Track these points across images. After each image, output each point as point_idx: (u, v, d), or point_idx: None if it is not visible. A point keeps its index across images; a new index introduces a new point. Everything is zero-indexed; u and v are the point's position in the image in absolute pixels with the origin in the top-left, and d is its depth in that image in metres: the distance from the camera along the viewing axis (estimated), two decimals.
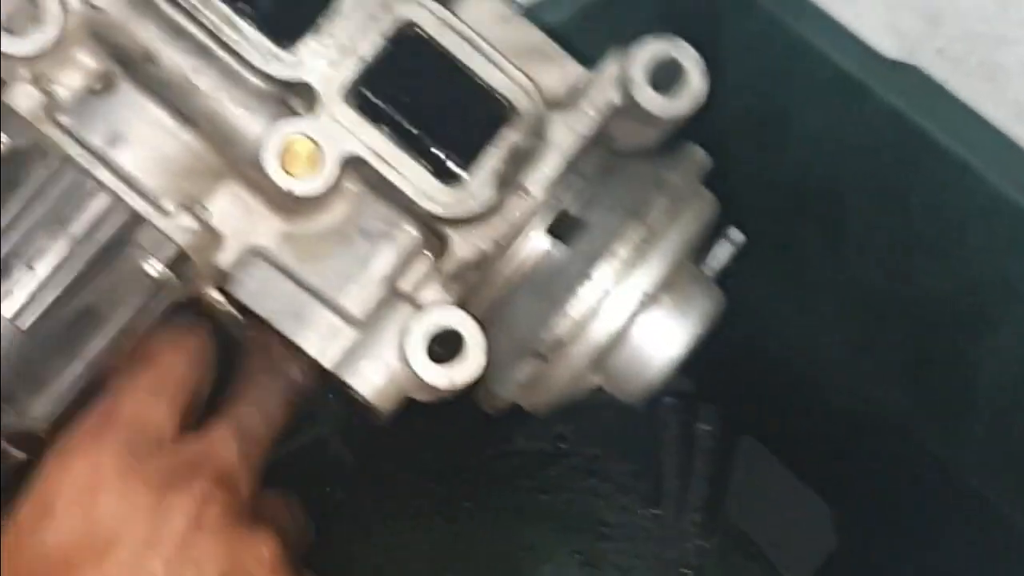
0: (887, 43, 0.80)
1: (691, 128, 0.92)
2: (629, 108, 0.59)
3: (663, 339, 0.59)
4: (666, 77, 0.58)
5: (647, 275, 0.58)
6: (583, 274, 0.57)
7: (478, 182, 0.56)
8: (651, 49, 0.58)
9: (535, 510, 0.94)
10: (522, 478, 0.95)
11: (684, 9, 0.84)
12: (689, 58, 0.58)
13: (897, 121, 0.77)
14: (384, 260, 0.58)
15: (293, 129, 0.55)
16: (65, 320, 0.56)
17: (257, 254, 0.58)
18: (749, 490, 0.90)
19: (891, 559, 0.87)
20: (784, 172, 0.86)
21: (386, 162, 0.56)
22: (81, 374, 0.56)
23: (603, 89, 0.59)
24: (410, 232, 0.58)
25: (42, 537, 0.53)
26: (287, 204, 0.58)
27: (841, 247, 0.84)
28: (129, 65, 0.58)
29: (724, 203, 0.92)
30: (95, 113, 0.57)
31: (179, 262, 0.57)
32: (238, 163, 0.58)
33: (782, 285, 0.91)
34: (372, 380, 0.57)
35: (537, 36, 0.60)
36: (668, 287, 0.59)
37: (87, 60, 0.58)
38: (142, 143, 0.57)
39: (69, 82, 0.58)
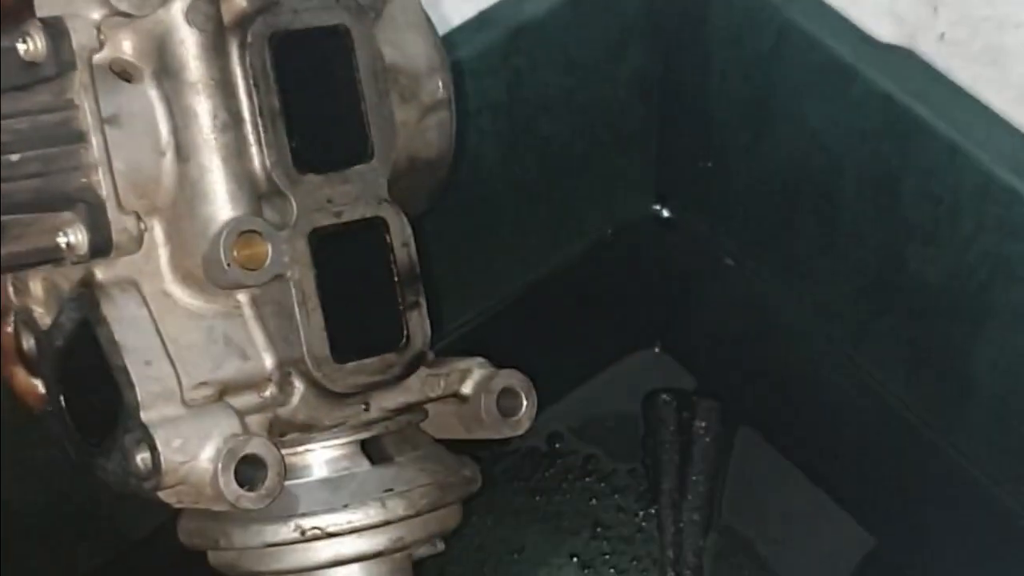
0: (887, 30, 0.79)
1: (682, 118, 0.92)
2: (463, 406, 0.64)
3: None
4: (507, 403, 0.63)
5: (365, 544, 0.61)
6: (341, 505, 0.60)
7: (349, 372, 0.60)
8: (503, 379, 0.63)
9: (530, 512, 0.93)
10: (516, 479, 0.95)
11: None
12: (528, 395, 0.63)
13: (887, 105, 0.76)
14: (228, 372, 0.60)
15: (251, 226, 0.58)
16: None
17: (135, 287, 0.60)
18: (746, 486, 0.89)
19: (893, 548, 0.86)
20: (777, 160, 0.85)
21: (305, 304, 0.59)
22: None
23: (450, 381, 0.64)
24: (266, 367, 0.61)
25: None
26: (195, 272, 0.60)
27: (835, 235, 0.83)
28: (161, 72, 0.59)
29: (720, 197, 0.92)
30: (112, 88, 0.58)
31: (95, 251, 0.58)
32: (183, 217, 0.60)
33: (778, 275, 0.90)
34: (173, 459, 0.58)
35: None
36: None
37: (127, 45, 0.59)
38: (132, 139, 0.58)
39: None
